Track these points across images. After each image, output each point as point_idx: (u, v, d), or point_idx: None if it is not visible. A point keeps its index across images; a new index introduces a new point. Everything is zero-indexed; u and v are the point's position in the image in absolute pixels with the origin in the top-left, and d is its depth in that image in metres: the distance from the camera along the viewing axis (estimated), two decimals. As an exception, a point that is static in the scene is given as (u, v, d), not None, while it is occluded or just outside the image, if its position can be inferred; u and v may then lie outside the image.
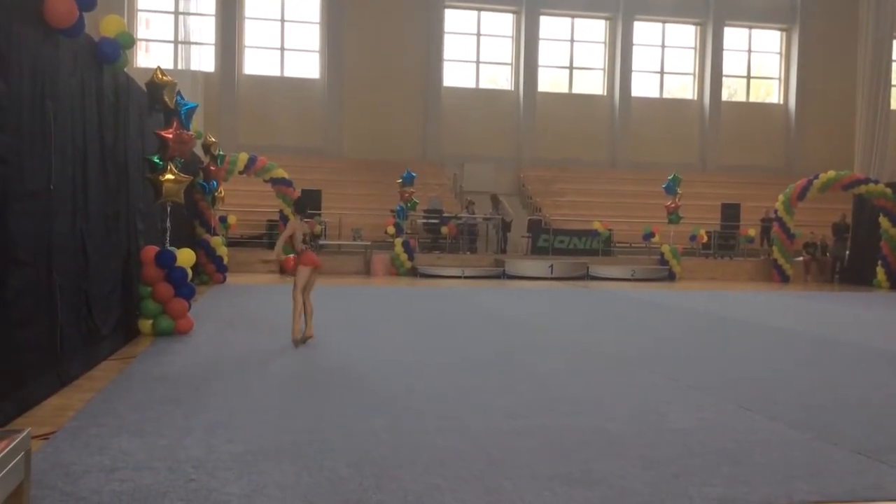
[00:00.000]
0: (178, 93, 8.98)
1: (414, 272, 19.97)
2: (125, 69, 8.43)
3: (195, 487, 3.85)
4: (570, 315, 12.60)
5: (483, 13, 28.90)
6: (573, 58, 29.67)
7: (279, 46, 27.69)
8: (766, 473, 4.28)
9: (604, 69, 29.70)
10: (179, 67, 25.68)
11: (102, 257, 7.44)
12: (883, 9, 27.84)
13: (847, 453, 4.70)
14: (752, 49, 30.87)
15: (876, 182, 21.47)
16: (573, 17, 29.34)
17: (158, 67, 8.99)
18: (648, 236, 22.26)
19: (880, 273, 20.49)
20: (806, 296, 17.45)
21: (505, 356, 8.07)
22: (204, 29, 26.61)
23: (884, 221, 20.59)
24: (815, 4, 29.91)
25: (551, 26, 29.18)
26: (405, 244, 20.18)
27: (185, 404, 5.52)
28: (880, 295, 18.55)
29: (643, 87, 29.85)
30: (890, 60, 28.68)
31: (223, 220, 19.00)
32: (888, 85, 28.53)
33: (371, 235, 21.48)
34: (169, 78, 8.84)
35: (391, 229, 20.64)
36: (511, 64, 29.16)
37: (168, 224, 9.17)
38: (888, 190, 20.71)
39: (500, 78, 29.68)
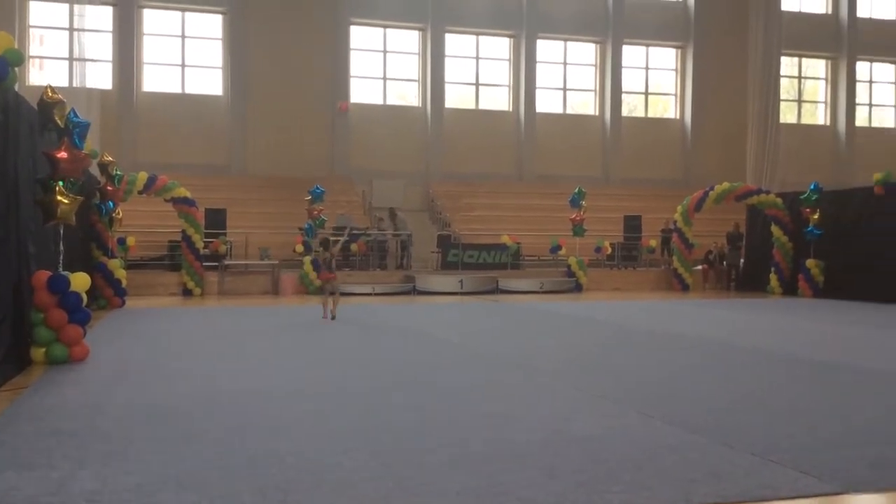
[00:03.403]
0: (73, 111, 8.67)
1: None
2: (15, 87, 8.09)
3: (89, 522, 3.68)
4: (479, 329, 12.70)
5: (389, 30, 29.01)
6: (479, 74, 30.09)
7: (180, 63, 27.09)
8: (667, 478, 4.39)
9: (509, 85, 30.22)
10: (75, 85, 24.78)
11: (-10, 283, 7.09)
12: (771, 27, 29.36)
13: (743, 455, 4.87)
14: (650, 66, 31.98)
15: (767, 192, 22.50)
16: (478, 34, 29.77)
17: (49, 85, 8.66)
18: (556, 249, 22.68)
19: (773, 280, 21.43)
20: (704, 303, 18.11)
21: (414, 372, 8.06)
22: (100, 46, 25.77)
23: (775, 230, 21.58)
24: (708, 23, 31.22)
25: (457, 44, 29.52)
26: (314, 262, 19.96)
27: (79, 435, 5.29)
28: (773, 301, 19.40)
29: (547, 103, 30.50)
30: (778, 76, 30.23)
31: (122, 241, 18.39)
32: (777, 100, 30.06)
33: (279, 254, 21.17)
34: (59, 96, 8.52)
35: (300, 247, 20.40)
36: (418, 80, 29.34)
37: (61, 247, 8.81)
38: (779, 200, 21.73)
39: (407, 94, 29.81)
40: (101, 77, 25.56)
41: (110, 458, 4.73)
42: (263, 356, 9.26)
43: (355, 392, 6.94)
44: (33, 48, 25.83)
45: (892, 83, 34.73)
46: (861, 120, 33.96)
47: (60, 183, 8.32)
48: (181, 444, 5.06)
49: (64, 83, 24.36)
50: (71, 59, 25.40)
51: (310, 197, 20.43)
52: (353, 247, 21.84)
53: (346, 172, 27.70)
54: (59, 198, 8.25)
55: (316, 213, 20.36)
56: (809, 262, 20.10)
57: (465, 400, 6.63)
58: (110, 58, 26.15)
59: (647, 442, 5.18)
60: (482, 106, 30.19)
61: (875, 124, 34.59)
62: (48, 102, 8.47)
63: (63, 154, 8.32)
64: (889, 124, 34.81)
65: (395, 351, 9.77)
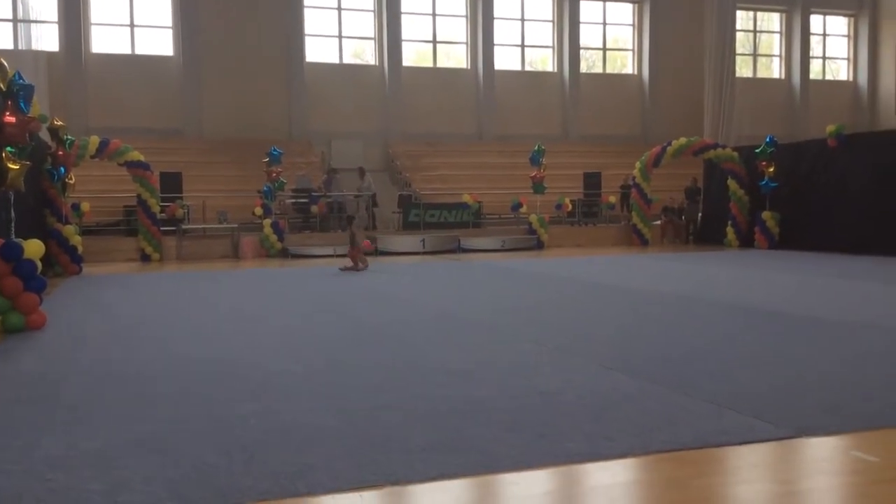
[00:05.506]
0: (17, 73, 8.42)
1: (284, 253, 19.67)
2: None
3: (53, 487, 3.66)
4: (442, 287, 12.75)
5: (343, -13, 28.50)
6: (436, 32, 29.77)
7: (129, 23, 26.36)
8: (626, 427, 4.49)
9: (466, 43, 29.97)
10: (20, 47, 24.06)
11: (-61, 252, 6.92)
12: (725, -19, 29.42)
13: (699, 403, 4.99)
14: (607, 22, 31.92)
15: (723, 147, 22.76)
16: (434, -10, 29.39)
17: (-10, 47, 8.39)
18: (517, 207, 22.76)
19: (730, 233, 21.79)
20: (664, 257, 18.37)
21: (377, 331, 8.09)
22: (45, 5, 24.97)
23: (732, 184, 21.88)
24: (664, -22, 31.18)
25: (413, 0, 29.12)
26: (274, 225, 19.81)
27: (41, 403, 5.24)
28: (730, 253, 19.75)
29: (505, 60, 30.34)
30: (734, 31, 30.39)
31: (76, 207, 18.05)
32: (733, 55, 30.24)
33: (238, 217, 20.95)
34: (-1, 59, 8.27)
35: (259, 210, 20.21)
36: (374, 39, 28.95)
37: (12, 214, 8.63)
38: (735, 154, 22.00)
39: (364, 52, 29.42)
40: (47, 38, 24.81)
41: (73, 424, 4.70)
42: (225, 319, 9.21)
43: (318, 352, 6.95)
44: (-26, 9, 24.93)
45: (844, 36, 35.15)
46: (815, 73, 34.39)
47: (8, 149, 8.12)
48: (144, 409, 5.04)
49: (9, 45, 23.64)
50: (15, 20, 24.61)
51: (267, 159, 20.19)
52: (314, 208, 21.70)
53: (303, 133, 27.39)
54: (6, 164, 8.04)
55: (274, 175, 20.15)
56: (765, 215, 20.44)
57: (427, 357, 6.68)
58: (55, 18, 25.35)
59: (607, 393, 5.29)
60: (440, 64, 29.93)
61: (829, 77, 35.06)
62: (-10, 66, 8.22)
63: (9, 118, 8.09)
64: (842, 77, 35.32)
65: (358, 311, 9.78)
